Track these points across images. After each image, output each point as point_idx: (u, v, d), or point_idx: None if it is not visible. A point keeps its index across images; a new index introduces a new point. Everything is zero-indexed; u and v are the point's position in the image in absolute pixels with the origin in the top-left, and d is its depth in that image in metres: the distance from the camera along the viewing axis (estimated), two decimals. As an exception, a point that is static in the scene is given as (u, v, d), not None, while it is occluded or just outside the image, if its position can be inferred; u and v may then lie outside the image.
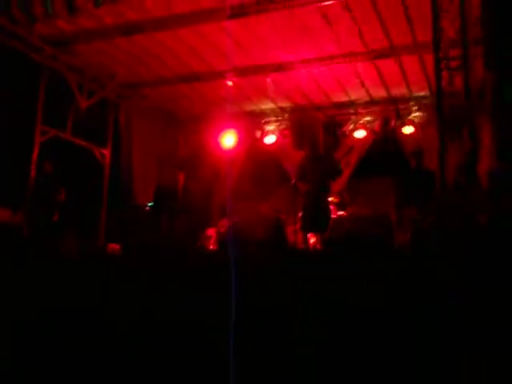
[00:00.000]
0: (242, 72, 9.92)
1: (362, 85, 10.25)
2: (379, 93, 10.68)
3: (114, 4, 7.35)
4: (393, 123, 10.82)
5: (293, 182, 8.92)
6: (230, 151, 11.71)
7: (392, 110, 10.90)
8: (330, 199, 8.88)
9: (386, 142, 11.01)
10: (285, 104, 11.53)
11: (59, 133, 9.82)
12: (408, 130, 10.57)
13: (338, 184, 10.22)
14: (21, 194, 8.88)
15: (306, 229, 8.31)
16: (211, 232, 9.12)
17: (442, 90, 6.41)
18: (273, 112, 11.86)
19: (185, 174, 10.10)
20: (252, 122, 11.92)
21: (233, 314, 3.79)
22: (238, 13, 7.85)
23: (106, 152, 10.89)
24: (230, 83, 10.13)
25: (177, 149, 12.13)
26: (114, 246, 8.01)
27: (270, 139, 11.71)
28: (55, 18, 7.75)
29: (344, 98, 11.04)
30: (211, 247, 8.30)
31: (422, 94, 10.42)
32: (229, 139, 11.74)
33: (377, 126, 10.96)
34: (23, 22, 7.86)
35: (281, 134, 11.68)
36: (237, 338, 3.80)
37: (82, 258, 6.88)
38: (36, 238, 8.15)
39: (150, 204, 10.08)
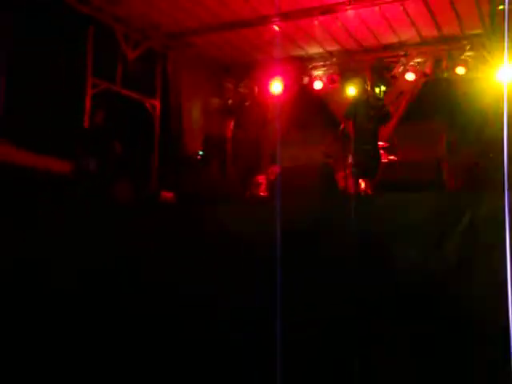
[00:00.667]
0: (289, 16, 9.75)
1: (413, 24, 9.93)
2: (430, 32, 10.32)
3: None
4: (444, 64, 10.50)
5: (342, 127, 8.85)
6: (277, 97, 11.64)
7: (443, 50, 10.55)
8: (379, 144, 8.79)
9: (437, 84, 10.71)
10: (332, 48, 11.30)
11: (110, 85, 9.95)
12: (460, 70, 10.25)
13: (388, 128, 10.07)
14: (74, 145, 9.10)
15: (357, 174, 8.29)
16: (261, 179, 9.19)
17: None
18: (320, 56, 11.65)
19: (233, 121, 10.15)
20: (299, 68, 11.77)
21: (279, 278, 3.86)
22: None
23: (156, 103, 11.00)
24: (276, 28, 9.99)
25: (224, 97, 12.14)
26: (167, 194, 8.19)
27: (317, 85, 11.57)
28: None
29: (393, 40, 10.72)
30: (262, 194, 8.39)
31: (474, 31, 10.02)
32: (276, 85, 11.66)
33: (428, 67, 10.65)
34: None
35: (329, 79, 11.50)
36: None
37: (136, 204, 7.05)
38: (88, 187, 8.36)
39: (200, 153, 10.20)
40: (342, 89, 11.31)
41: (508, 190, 3.50)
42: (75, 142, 8.84)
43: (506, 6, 7.10)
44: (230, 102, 11.96)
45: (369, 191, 8.11)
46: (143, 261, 5.18)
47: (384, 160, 8.75)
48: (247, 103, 12.02)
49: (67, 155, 8.70)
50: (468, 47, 10.21)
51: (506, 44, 5.40)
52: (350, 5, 9.31)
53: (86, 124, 9.34)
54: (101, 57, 9.72)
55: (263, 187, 8.43)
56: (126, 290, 4.98)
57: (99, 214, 6.37)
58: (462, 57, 10.25)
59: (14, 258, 5.43)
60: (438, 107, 10.32)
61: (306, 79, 11.68)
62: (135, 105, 10.60)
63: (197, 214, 5.43)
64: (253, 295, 4.39)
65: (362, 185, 8.33)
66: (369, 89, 10.49)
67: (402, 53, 10.88)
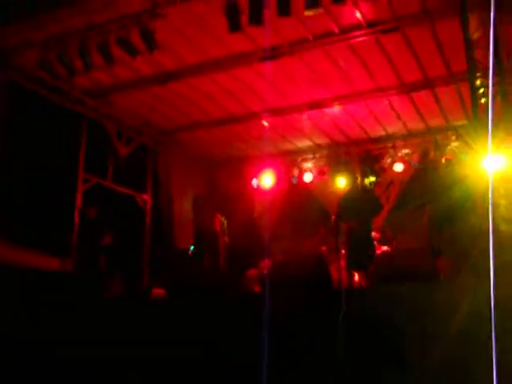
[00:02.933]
0: (278, 112, 10.02)
1: (399, 118, 10.20)
2: (416, 125, 10.59)
3: (149, 54, 7.53)
4: (432, 154, 10.69)
5: (333, 219, 8.85)
6: (268, 191, 11.73)
7: (430, 141, 10.78)
8: (372, 235, 8.76)
9: (425, 173, 10.85)
10: (321, 141, 11.53)
11: (101, 180, 10.01)
12: (447, 160, 10.42)
13: (379, 219, 10.08)
14: (67, 242, 9.03)
15: (350, 266, 8.20)
16: (253, 273, 9.06)
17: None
18: (310, 149, 11.87)
19: (224, 215, 10.15)
20: (289, 161, 11.96)
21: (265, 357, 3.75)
22: (271, 54, 7.99)
23: (147, 197, 11.04)
24: (265, 123, 10.22)
25: (216, 191, 12.22)
26: (159, 291, 8.02)
27: (307, 177, 11.70)
28: (93, 70, 7.96)
29: (381, 132, 10.98)
30: (254, 289, 8.23)
31: (459, 123, 10.28)
32: (267, 179, 11.78)
33: (415, 158, 10.83)
34: (63, 75, 8.12)
35: (318, 172, 11.65)
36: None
37: (129, 303, 6.95)
38: (86, 284, 8.23)
39: (192, 248, 10.13)
40: (332, 180, 11.44)
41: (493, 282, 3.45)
42: (66, 239, 8.80)
43: (490, 100, 7.31)
44: (219, 195, 12.02)
45: (363, 283, 7.99)
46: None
47: (378, 251, 8.68)
48: (238, 196, 12.09)
49: (59, 252, 8.64)
50: (454, 137, 10.44)
51: (489, 136, 5.51)
52: (336, 100, 9.59)
53: (77, 220, 9.30)
54: (93, 152, 9.83)
55: (256, 282, 8.30)
56: None
57: (92, 310, 6.27)
58: (449, 147, 10.46)
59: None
60: (426, 195, 10.40)
61: (296, 171, 11.83)
62: (126, 199, 10.62)
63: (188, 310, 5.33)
64: None
65: (356, 277, 8.22)
66: (358, 180, 10.60)
67: (390, 145, 11.10)
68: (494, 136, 7.85)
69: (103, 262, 9.09)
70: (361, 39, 7.72)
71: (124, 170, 10.34)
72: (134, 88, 9.15)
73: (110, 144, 10.15)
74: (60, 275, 8.31)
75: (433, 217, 8.45)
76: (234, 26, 6.86)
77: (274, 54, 7.98)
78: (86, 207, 9.46)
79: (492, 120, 7.36)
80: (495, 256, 3.88)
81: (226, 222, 10.21)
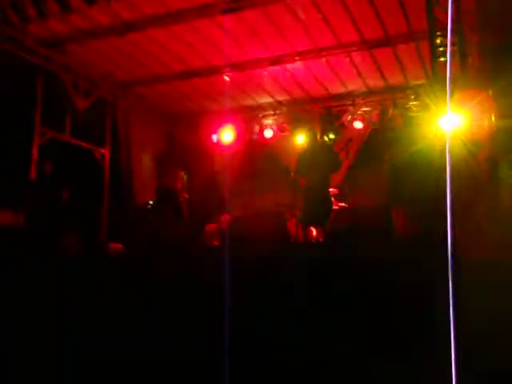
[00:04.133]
0: (239, 66, 9.91)
1: (359, 75, 10.23)
2: (376, 83, 10.65)
3: (107, 3, 7.31)
4: (390, 113, 10.80)
5: (292, 175, 8.92)
6: (228, 146, 11.71)
7: (389, 99, 10.88)
8: (330, 191, 8.88)
9: (384, 132, 10.98)
10: (282, 97, 11.51)
11: (58, 134, 9.81)
12: (405, 118, 10.57)
13: (338, 175, 10.20)
14: (22, 196, 8.88)
15: (308, 222, 8.31)
16: (213, 227, 9.12)
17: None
18: (270, 106, 11.85)
19: (185, 171, 10.12)
20: (250, 117, 11.93)
21: (226, 314, 3.81)
22: (232, 7, 7.85)
23: (105, 152, 10.88)
24: (226, 78, 10.12)
25: (176, 146, 12.13)
26: (117, 246, 8.01)
27: (268, 133, 11.71)
28: (48, 18, 7.70)
29: (341, 90, 11.00)
30: (213, 243, 8.31)
31: (418, 82, 10.38)
32: (227, 134, 11.75)
33: (375, 116, 10.94)
34: (16, 23, 7.84)
35: (279, 128, 11.67)
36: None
37: (81, 257, 6.89)
38: (38, 238, 8.14)
39: (151, 202, 10.09)
40: (292, 137, 11.49)
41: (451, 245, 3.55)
42: (22, 193, 8.64)
43: (449, 58, 7.37)
44: (181, 151, 11.95)
45: (320, 238, 8.13)
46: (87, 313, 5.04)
47: (335, 207, 8.81)
48: (199, 152, 12.05)
49: (14, 206, 8.48)
50: (413, 96, 10.56)
51: (448, 94, 5.58)
52: (298, 56, 9.53)
53: (33, 174, 9.13)
54: (50, 105, 9.59)
55: (215, 236, 8.37)
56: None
57: (46, 266, 6.19)
58: (407, 105, 10.58)
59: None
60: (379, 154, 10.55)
61: (256, 128, 11.82)
62: (84, 153, 10.45)
63: (146, 264, 5.33)
64: (201, 342, 4.32)
65: (314, 232, 8.35)
66: (318, 137, 10.66)
67: (350, 102, 11.16)
68: (451, 95, 7.99)
69: (59, 218, 8.98)
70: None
71: (82, 124, 10.13)
72: (91, 38, 8.87)
73: (67, 97, 9.89)
74: (12, 230, 8.17)
75: (390, 173, 8.56)
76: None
77: (235, 6, 7.84)
78: (42, 161, 9.29)
79: (450, 79, 7.45)
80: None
81: (186, 178, 10.18)
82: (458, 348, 2.95)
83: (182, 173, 10.32)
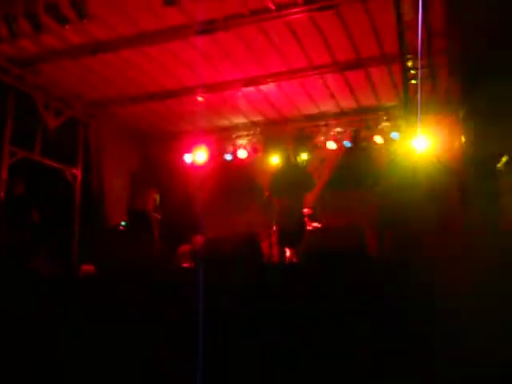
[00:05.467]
0: (213, 87, 9.93)
1: (332, 96, 10.32)
2: (349, 104, 10.77)
3: (80, 23, 7.26)
4: (363, 133, 10.92)
5: (266, 195, 8.92)
6: (202, 166, 11.68)
7: (361, 120, 10.99)
8: (304, 211, 8.88)
9: (356, 153, 11.07)
10: (256, 118, 11.55)
11: (28, 154, 9.67)
12: (378, 139, 10.68)
13: (311, 196, 10.24)
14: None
15: (282, 242, 8.29)
16: (185, 249, 9.03)
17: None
18: (244, 126, 11.87)
19: (158, 192, 10.03)
20: (223, 137, 11.92)
21: (201, 331, 3.76)
22: (206, 29, 7.88)
23: (77, 172, 10.74)
24: (200, 99, 10.12)
25: (149, 167, 12.05)
26: (88, 268, 7.87)
27: (241, 153, 11.71)
28: (19, 38, 7.63)
29: (314, 110, 11.08)
30: (185, 264, 8.22)
31: (390, 103, 10.52)
32: (201, 155, 11.72)
33: (347, 136, 11.03)
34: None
35: (252, 148, 11.69)
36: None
37: (52, 278, 6.76)
38: (8, 260, 7.97)
39: (123, 223, 9.97)
40: (266, 157, 11.51)
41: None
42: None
43: (419, 82, 7.51)
44: (155, 172, 11.87)
45: (294, 259, 8.11)
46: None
47: (308, 227, 8.82)
48: (172, 173, 11.99)
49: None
50: (385, 118, 10.69)
51: (418, 116, 5.68)
52: (271, 77, 9.59)
53: (2, 194, 8.97)
54: (20, 125, 9.47)
55: (188, 258, 8.29)
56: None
57: (15, 288, 6.06)
58: (380, 126, 10.71)
59: None
60: (353, 175, 10.62)
61: (230, 148, 11.82)
62: (55, 174, 10.30)
63: (118, 288, 5.25)
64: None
65: (288, 253, 8.33)
66: (292, 157, 10.69)
67: (323, 123, 11.25)
68: (422, 117, 8.12)
69: (29, 239, 8.81)
70: (296, 16, 7.71)
71: (53, 144, 10.00)
72: (63, 58, 8.79)
73: (37, 116, 9.78)
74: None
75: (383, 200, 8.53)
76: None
77: (209, 28, 7.86)
78: (12, 181, 9.14)
79: (421, 101, 7.58)
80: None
81: (158, 199, 10.09)
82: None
83: (154, 193, 10.23)
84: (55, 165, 10.25)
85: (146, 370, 4.38)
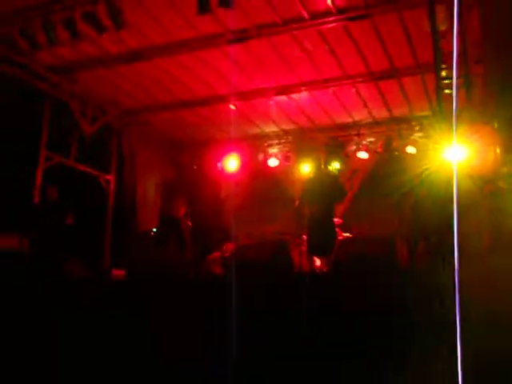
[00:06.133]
0: (245, 96, 9.97)
1: (365, 106, 10.27)
2: (381, 113, 10.70)
3: (116, 31, 7.39)
4: (395, 143, 10.82)
5: (297, 204, 8.90)
6: (233, 174, 11.72)
7: (394, 130, 10.90)
8: (334, 221, 8.84)
9: (389, 162, 10.98)
10: (288, 127, 11.55)
11: (63, 159, 9.85)
12: (411, 149, 10.58)
13: (343, 206, 10.18)
14: (26, 221, 8.87)
15: (312, 251, 8.26)
16: (216, 256, 9.08)
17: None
18: (276, 135, 11.88)
19: (189, 199, 10.11)
20: (255, 146, 11.95)
21: (233, 338, 3.77)
22: (239, 37, 7.93)
23: (110, 178, 10.90)
24: (232, 107, 10.18)
25: (181, 174, 12.15)
26: (119, 272, 7.97)
27: (273, 162, 11.72)
28: (57, 46, 7.79)
29: (347, 120, 11.04)
30: (216, 271, 8.26)
31: (423, 113, 10.42)
32: (232, 163, 11.77)
33: (379, 146, 10.96)
34: (26, 50, 7.93)
35: (284, 157, 11.69)
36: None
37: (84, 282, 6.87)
38: (41, 263, 8.10)
39: (154, 230, 10.06)
40: (297, 166, 11.50)
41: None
42: (25, 218, 8.64)
43: (454, 91, 7.42)
44: (186, 179, 11.97)
45: (324, 269, 8.07)
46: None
47: (339, 237, 8.77)
48: (203, 181, 12.06)
49: (17, 231, 8.46)
50: (417, 128, 10.59)
51: (454, 127, 5.61)
52: (303, 86, 9.60)
53: (37, 199, 9.15)
54: (57, 131, 9.65)
55: (218, 264, 8.32)
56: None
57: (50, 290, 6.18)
58: (412, 137, 10.61)
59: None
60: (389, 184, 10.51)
61: (261, 156, 11.83)
62: (89, 180, 10.47)
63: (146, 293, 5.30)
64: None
65: (318, 262, 8.29)
66: (323, 167, 10.66)
67: (355, 132, 11.19)
68: (457, 127, 8.02)
69: (63, 243, 8.95)
70: (330, 26, 7.71)
71: (88, 150, 10.18)
72: (99, 66, 8.97)
73: (74, 122, 9.95)
74: (17, 255, 8.13)
75: (418, 207, 8.45)
76: (203, 8, 6.79)
77: (242, 36, 7.92)
78: (47, 186, 9.31)
79: (456, 111, 7.48)
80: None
81: (189, 206, 10.17)
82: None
83: (185, 200, 10.32)
84: (89, 171, 10.42)
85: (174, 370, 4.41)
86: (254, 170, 11.90)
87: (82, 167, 10.20)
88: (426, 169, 8.93)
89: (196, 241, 9.69)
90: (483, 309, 3.83)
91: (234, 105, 10.16)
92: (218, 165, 11.95)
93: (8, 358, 5.00)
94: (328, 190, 8.46)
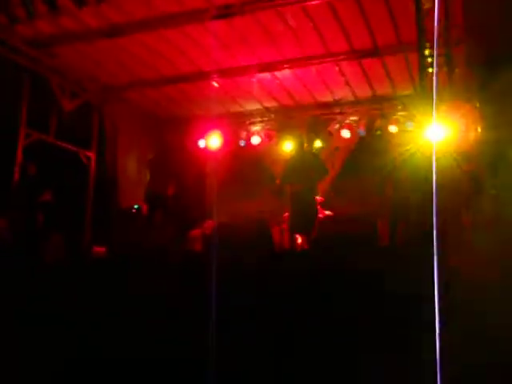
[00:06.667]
0: (228, 72, 9.90)
1: (347, 84, 10.25)
2: (364, 92, 10.69)
3: (96, 5, 7.26)
4: (378, 122, 10.84)
5: (278, 182, 8.91)
6: (215, 152, 11.68)
7: (377, 109, 10.91)
8: (316, 199, 8.87)
9: (371, 141, 11.01)
10: (270, 104, 11.51)
11: (43, 136, 9.72)
12: (393, 128, 10.61)
13: (324, 184, 10.22)
14: (4, 198, 8.78)
15: (293, 229, 8.29)
16: (197, 233, 9.07)
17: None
18: (258, 112, 11.83)
19: (175, 180, 10.10)
20: (237, 123, 11.90)
21: (213, 315, 3.78)
22: (222, 13, 7.84)
23: (91, 154, 10.79)
24: (215, 84, 10.10)
25: (166, 152, 12.08)
26: (100, 249, 7.94)
27: (255, 140, 11.69)
28: (36, 19, 7.64)
29: (329, 98, 11.02)
30: (196, 248, 8.26)
31: (406, 92, 10.43)
32: (214, 140, 11.71)
33: (362, 125, 10.97)
34: (4, 23, 7.77)
35: (266, 135, 11.66)
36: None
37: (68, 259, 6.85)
38: (21, 241, 8.04)
39: (136, 206, 10.02)
40: (279, 144, 11.48)
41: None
42: (5, 195, 8.55)
43: (435, 70, 7.41)
44: (171, 158, 11.91)
45: (305, 246, 8.11)
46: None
47: (320, 215, 8.81)
48: (187, 158, 12.01)
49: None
50: (400, 107, 10.61)
51: (433, 105, 5.61)
52: (287, 63, 9.54)
53: (17, 176, 9.04)
54: (36, 107, 9.51)
55: (198, 242, 8.32)
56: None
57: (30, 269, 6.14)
58: (394, 116, 10.63)
59: None
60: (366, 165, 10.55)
61: (243, 134, 11.80)
62: (70, 156, 10.36)
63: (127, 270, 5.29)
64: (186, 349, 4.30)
65: (299, 240, 8.34)
66: (305, 145, 10.65)
67: (338, 111, 11.18)
68: (438, 107, 8.04)
69: (41, 220, 8.89)
70: (314, 2, 7.65)
71: (68, 126, 10.05)
72: (79, 40, 8.80)
73: (53, 98, 9.82)
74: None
75: (399, 187, 8.46)
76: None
77: (226, 12, 7.82)
78: (26, 163, 9.21)
79: (437, 90, 7.50)
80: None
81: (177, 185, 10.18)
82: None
83: (174, 179, 10.32)
84: (70, 147, 10.30)
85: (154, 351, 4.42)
86: (236, 148, 11.86)
87: (62, 144, 10.07)
88: (408, 149, 8.96)
89: (178, 217, 9.68)
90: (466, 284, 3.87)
91: (217, 81, 10.08)
92: (200, 142, 11.89)
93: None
94: (310, 169, 8.48)
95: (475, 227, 6.51)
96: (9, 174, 9.00)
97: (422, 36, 7.07)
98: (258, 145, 11.72)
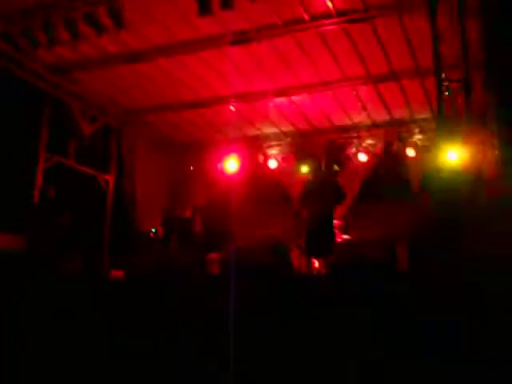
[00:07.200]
0: (245, 97, 9.99)
1: (364, 108, 10.28)
2: (381, 116, 10.70)
3: (116, 32, 7.39)
4: (395, 146, 10.82)
5: (296, 206, 8.90)
6: (233, 176, 11.72)
7: (394, 132, 10.90)
8: (334, 223, 8.83)
9: (389, 165, 10.98)
10: (287, 128, 11.56)
11: (62, 159, 9.84)
12: (410, 152, 10.57)
13: (342, 208, 10.18)
14: (23, 219, 8.85)
15: (310, 253, 8.25)
16: (215, 256, 9.07)
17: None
18: (275, 136, 11.88)
19: (200, 201, 10.16)
20: (254, 147, 11.95)
21: (231, 342, 3.77)
22: (239, 39, 7.94)
23: (110, 178, 10.89)
24: (232, 108, 10.18)
25: (180, 174, 12.15)
26: (118, 273, 7.95)
27: (272, 163, 11.72)
28: (58, 46, 7.79)
29: (346, 122, 11.05)
30: (214, 272, 8.24)
31: (423, 116, 10.42)
32: (232, 164, 11.76)
33: (379, 149, 10.95)
34: (26, 49, 7.93)
35: (283, 159, 11.69)
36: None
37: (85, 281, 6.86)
38: (38, 262, 8.08)
39: (153, 230, 10.06)
40: (296, 168, 11.49)
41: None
42: (25, 218, 8.63)
43: (453, 94, 7.41)
44: (187, 180, 11.97)
45: (323, 270, 8.06)
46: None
47: (338, 239, 8.77)
48: (206, 182, 12.06)
49: (17, 230, 8.45)
50: (417, 130, 10.59)
51: (453, 129, 5.61)
52: (303, 88, 9.60)
53: (37, 198, 9.14)
54: (56, 131, 9.65)
55: (216, 265, 8.31)
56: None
57: (48, 290, 6.16)
58: (412, 139, 10.61)
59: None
60: (390, 188, 10.51)
61: (261, 158, 11.83)
62: (89, 180, 10.46)
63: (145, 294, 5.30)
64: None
65: (316, 264, 8.29)
66: (323, 169, 10.66)
67: (355, 134, 11.20)
68: (456, 130, 8.01)
69: (59, 242, 8.94)
70: (330, 28, 7.72)
71: (87, 150, 10.17)
72: (99, 66, 8.98)
73: (73, 122, 9.95)
74: (12, 253, 8.11)
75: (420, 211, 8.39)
76: (204, 9, 6.79)
77: (242, 38, 7.93)
78: (46, 186, 9.30)
79: (455, 114, 7.50)
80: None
81: (198, 209, 10.23)
82: None
83: (194, 203, 10.37)
84: (88, 170, 10.40)
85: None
86: (254, 172, 11.89)
87: (81, 167, 10.18)
88: (428, 173, 8.93)
89: (200, 241, 9.71)
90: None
91: (234, 106, 10.16)
92: (218, 166, 11.94)
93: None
94: (327, 192, 8.46)
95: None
96: (29, 197, 9.10)
97: (439, 61, 7.09)
98: (275, 168, 11.74)
